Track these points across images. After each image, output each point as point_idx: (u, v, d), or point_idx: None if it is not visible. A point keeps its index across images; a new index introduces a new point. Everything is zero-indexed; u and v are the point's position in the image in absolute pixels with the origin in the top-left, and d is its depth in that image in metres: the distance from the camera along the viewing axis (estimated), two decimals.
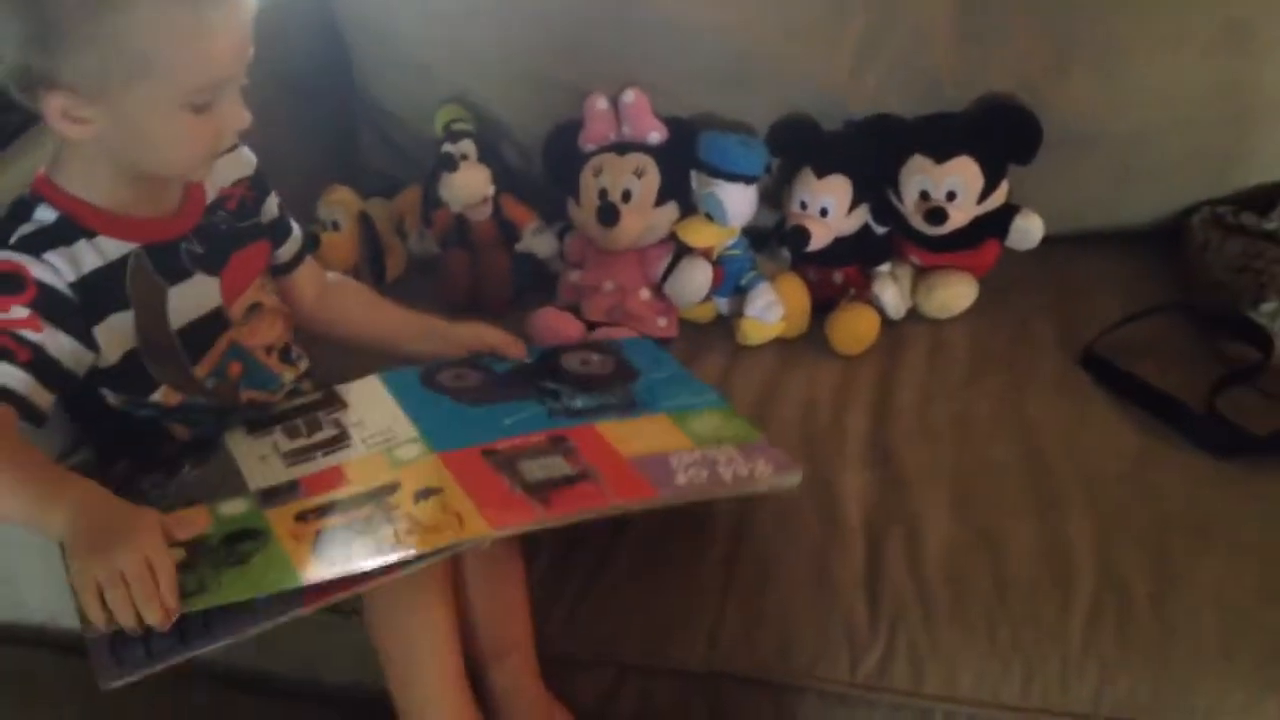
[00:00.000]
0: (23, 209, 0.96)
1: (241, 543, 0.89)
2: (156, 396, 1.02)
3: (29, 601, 1.20)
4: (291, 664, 1.20)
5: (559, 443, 0.97)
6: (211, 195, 1.06)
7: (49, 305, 0.92)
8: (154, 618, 0.79)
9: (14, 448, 0.87)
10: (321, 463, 1.00)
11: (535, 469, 0.95)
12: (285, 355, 1.13)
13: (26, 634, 1.21)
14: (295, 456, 1.01)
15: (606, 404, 1.05)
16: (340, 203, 1.52)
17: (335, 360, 1.21)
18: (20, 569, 1.16)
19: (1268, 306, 1.31)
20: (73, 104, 0.88)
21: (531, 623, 1.11)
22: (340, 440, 1.03)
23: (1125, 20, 1.39)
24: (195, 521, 0.88)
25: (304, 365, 1.16)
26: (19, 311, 0.91)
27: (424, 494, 0.93)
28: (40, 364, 0.91)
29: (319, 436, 1.03)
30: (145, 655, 0.83)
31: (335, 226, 1.49)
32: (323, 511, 0.92)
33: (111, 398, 1.01)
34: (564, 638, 1.13)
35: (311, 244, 1.23)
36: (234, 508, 0.93)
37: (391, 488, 0.94)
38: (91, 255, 0.95)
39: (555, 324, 1.41)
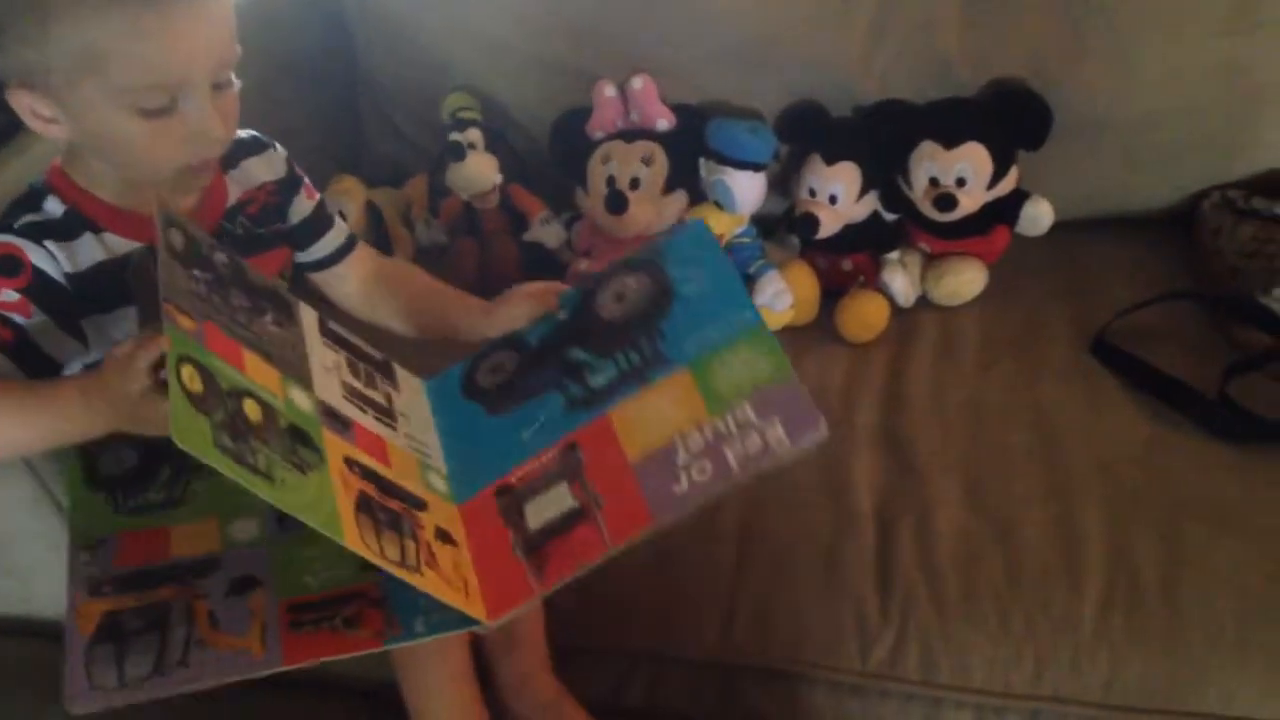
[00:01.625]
0: (33, 198, 0.95)
1: (302, 446, 0.86)
2: None
3: (39, 595, 1.20)
4: None
5: (568, 457, 0.96)
6: (234, 198, 1.05)
7: (42, 291, 0.92)
8: None
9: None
10: (370, 422, 0.97)
11: (540, 509, 0.93)
12: None
13: (37, 627, 1.21)
14: (352, 396, 0.97)
15: (629, 368, 1.01)
16: (347, 192, 1.52)
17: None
18: (29, 562, 1.16)
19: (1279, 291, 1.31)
20: (34, 101, 0.88)
21: (542, 614, 1.11)
22: (388, 415, 1.00)
23: (1134, 5, 1.38)
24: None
25: None
26: (9, 295, 0.91)
27: (443, 536, 0.92)
28: (20, 347, 0.91)
29: (373, 395, 1.00)
30: (117, 681, 0.84)
31: (342, 216, 1.48)
32: (365, 475, 0.90)
33: None
34: (574, 628, 1.13)
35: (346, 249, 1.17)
36: (301, 400, 0.90)
37: (420, 504, 0.93)
38: (96, 250, 0.95)
39: None
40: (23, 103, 0.88)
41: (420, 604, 0.88)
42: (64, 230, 0.94)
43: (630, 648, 1.15)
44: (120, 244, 0.96)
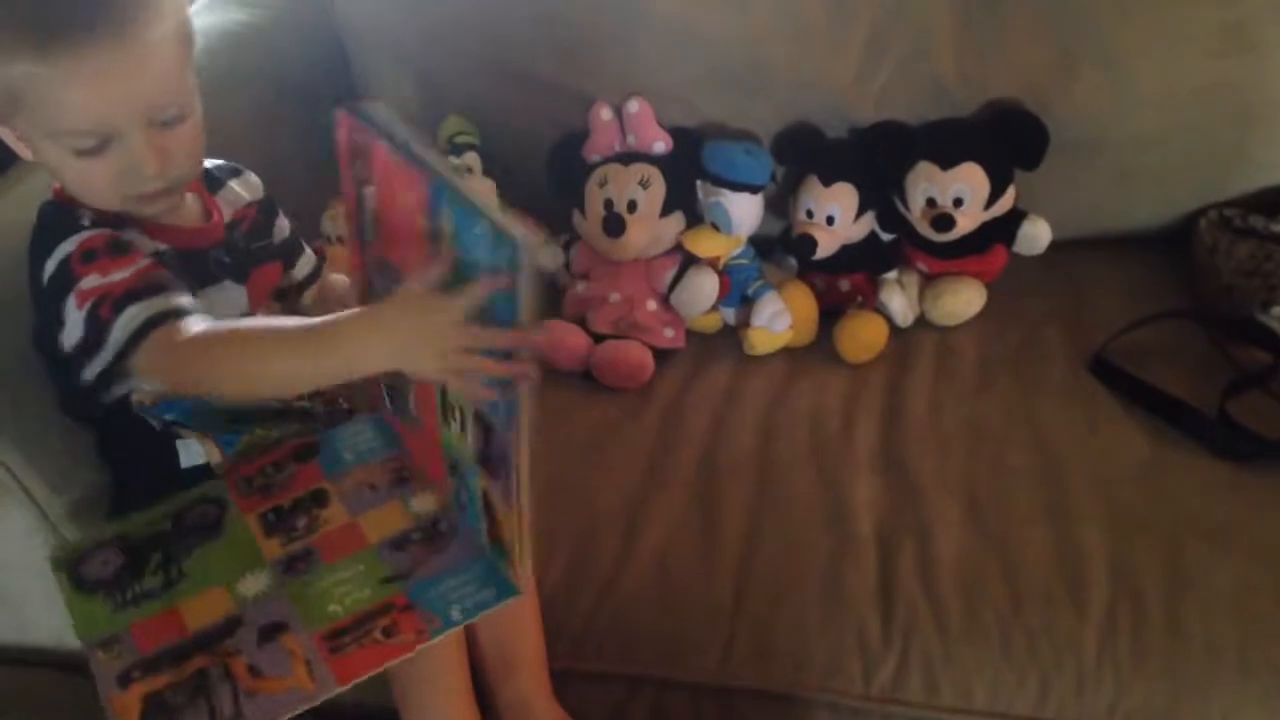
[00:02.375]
0: (62, 210, 0.95)
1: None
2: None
3: (34, 623, 1.19)
4: None
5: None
6: (228, 215, 1.07)
7: (157, 259, 0.93)
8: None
9: (260, 322, 0.89)
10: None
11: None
12: None
13: (31, 655, 1.21)
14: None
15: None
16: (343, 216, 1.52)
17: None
18: (24, 590, 1.15)
19: (1278, 310, 1.31)
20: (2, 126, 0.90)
21: (542, 638, 1.10)
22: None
23: (1127, 24, 1.39)
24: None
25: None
26: (144, 261, 0.91)
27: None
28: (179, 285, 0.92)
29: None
30: None
31: (340, 240, 1.49)
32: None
33: (139, 396, 1.01)
34: (575, 652, 1.13)
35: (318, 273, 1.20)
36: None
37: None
38: (145, 241, 0.96)
39: (562, 337, 1.41)
40: None
41: (450, 595, 0.92)
42: (116, 224, 0.95)
43: (632, 672, 1.14)
44: (149, 244, 0.97)
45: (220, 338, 0.86)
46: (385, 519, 0.99)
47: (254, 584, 0.94)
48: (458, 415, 0.94)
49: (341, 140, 0.94)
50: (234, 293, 1.04)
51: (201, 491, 1.01)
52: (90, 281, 0.89)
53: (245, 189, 1.10)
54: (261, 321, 0.89)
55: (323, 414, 1.13)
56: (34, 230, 0.96)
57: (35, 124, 0.88)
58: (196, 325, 0.87)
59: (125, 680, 0.87)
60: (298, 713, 0.86)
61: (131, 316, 0.87)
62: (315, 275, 1.19)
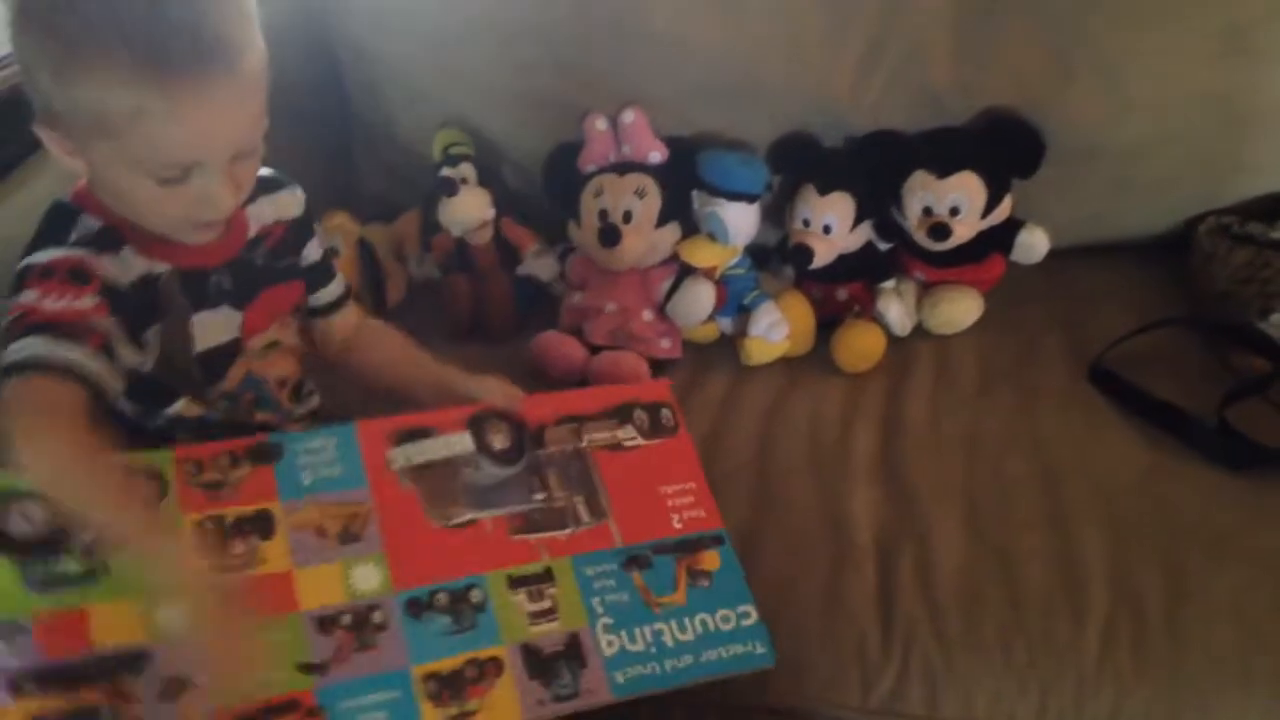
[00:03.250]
0: (65, 216, 0.95)
1: None
2: (177, 408, 1.02)
3: None
4: None
5: None
6: (253, 231, 1.05)
7: (112, 297, 0.92)
8: None
9: (93, 441, 0.85)
10: None
11: None
12: (297, 392, 1.12)
13: None
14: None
15: None
16: (339, 228, 1.52)
17: (353, 398, 1.19)
18: None
19: (1276, 317, 1.30)
20: (56, 136, 0.89)
21: None
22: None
23: (1122, 32, 1.39)
24: None
25: (314, 404, 1.14)
26: (86, 301, 0.90)
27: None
28: (108, 351, 0.90)
29: None
30: None
31: (334, 253, 1.48)
32: None
33: (129, 408, 1.00)
34: None
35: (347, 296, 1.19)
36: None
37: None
38: (136, 264, 0.95)
39: (558, 347, 1.40)
40: (46, 134, 0.90)
41: (359, 714, 0.87)
42: (108, 243, 0.94)
43: None
44: (149, 265, 0.96)
45: (25, 429, 0.83)
46: (323, 584, 0.92)
47: (173, 617, 0.86)
48: (546, 603, 0.95)
49: None
50: (227, 318, 1.03)
51: (147, 459, 0.94)
52: (28, 297, 0.89)
53: (278, 206, 1.08)
54: (68, 448, 0.84)
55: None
56: (37, 225, 0.96)
57: (123, 153, 0.87)
58: (41, 394, 0.85)
59: (17, 689, 0.82)
60: None
61: (23, 347, 0.87)
62: (338, 304, 1.17)
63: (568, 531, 1.00)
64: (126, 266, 0.94)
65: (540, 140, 1.52)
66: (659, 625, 0.96)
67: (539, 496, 1.02)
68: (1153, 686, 1.05)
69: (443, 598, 0.94)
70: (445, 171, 1.47)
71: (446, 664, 0.91)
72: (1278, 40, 1.37)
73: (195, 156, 0.88)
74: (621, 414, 1.08)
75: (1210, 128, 1.42)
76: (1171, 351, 1.35)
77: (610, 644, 0.94)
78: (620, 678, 0.93)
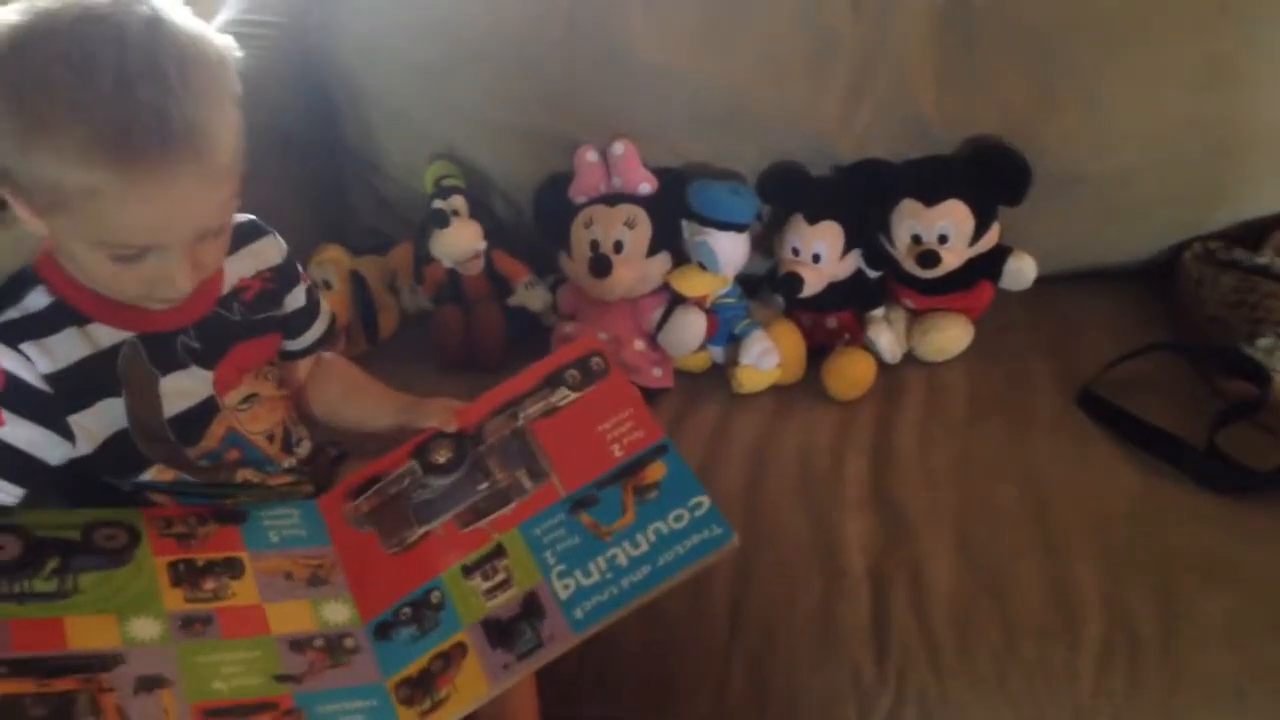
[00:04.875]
0: (16, 289, 0.94)
1: None
2: (149, 475, 1.00)
3: None
4: None
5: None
6: (228, 286, 1.04)
7: (18, 398, 0.90)
8: None
9: None
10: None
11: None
12: (286, 442, 1.10)
13: None
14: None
15: None
16: (332, 261, 1.52)
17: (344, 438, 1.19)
18: None
19: (1263, 342, 1.31)
20: (16, 200, 0.87)
21: (535, 686, 1.09)
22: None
23: (1106, 60, 1.40)
24: None
25: (304, 451, 1.13)
26: None
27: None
28: None
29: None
30: None
31: (327, 286, 1.49)
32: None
33: (97, 473, 0.99)
34: (569, 699, 1.12)
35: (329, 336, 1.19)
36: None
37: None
38: (80, 344, 0.93)
39: None
40: (10, 197, 0.87)
41: (336, 716, 0.88)
42: (45, 326, 0.92)
43: (625, 717, 1.13)
44: (108, 335, 0.95)
45: None
46: (292, 615, 0.95)
47: (146, 630, 0.89)
48: (500, 576, 0.96)
49: None
50: (197, 378, 1.01)
51: (117, 514, 0.95)
52: None
53: (257, 257, 1.06)
54: None
55: (308, 472, 1.13)
56: None
57: (77, 228, 0.85)
58: None
59: None
60: None
61: None
62: (311, 350, 1.16)
63: (513, 505, 1.02)
64: (61, 350, 0.92)
65: (531, 172, 1.53)
66: (612, 551, 0.96)
67: (483, 486, 1.04)
68: (1148, 710, 1.05)
69: (407, 611, 0.97)
70: (437, 204, 1.48)
71: (415, 666, 0.93)
72: (1259, 68, 1.39)
73: (151, 240, 0.86)
74: (552, 381, 1.09)
75: (1194, 155, 1.43)
76: (1160, 377, 1.36)
77: (566, 587, 0.95)
78: (579, 613, 0.94)
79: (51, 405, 0.92)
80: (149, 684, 0.85)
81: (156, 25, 0.82)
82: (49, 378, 0.92)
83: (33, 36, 0.81)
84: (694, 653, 1.12)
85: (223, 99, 0.86)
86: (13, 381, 0.90)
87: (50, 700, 0.82)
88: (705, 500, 0.97)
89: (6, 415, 0.90)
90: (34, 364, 0.91)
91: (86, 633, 0.87)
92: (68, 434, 0.93)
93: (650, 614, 1.10)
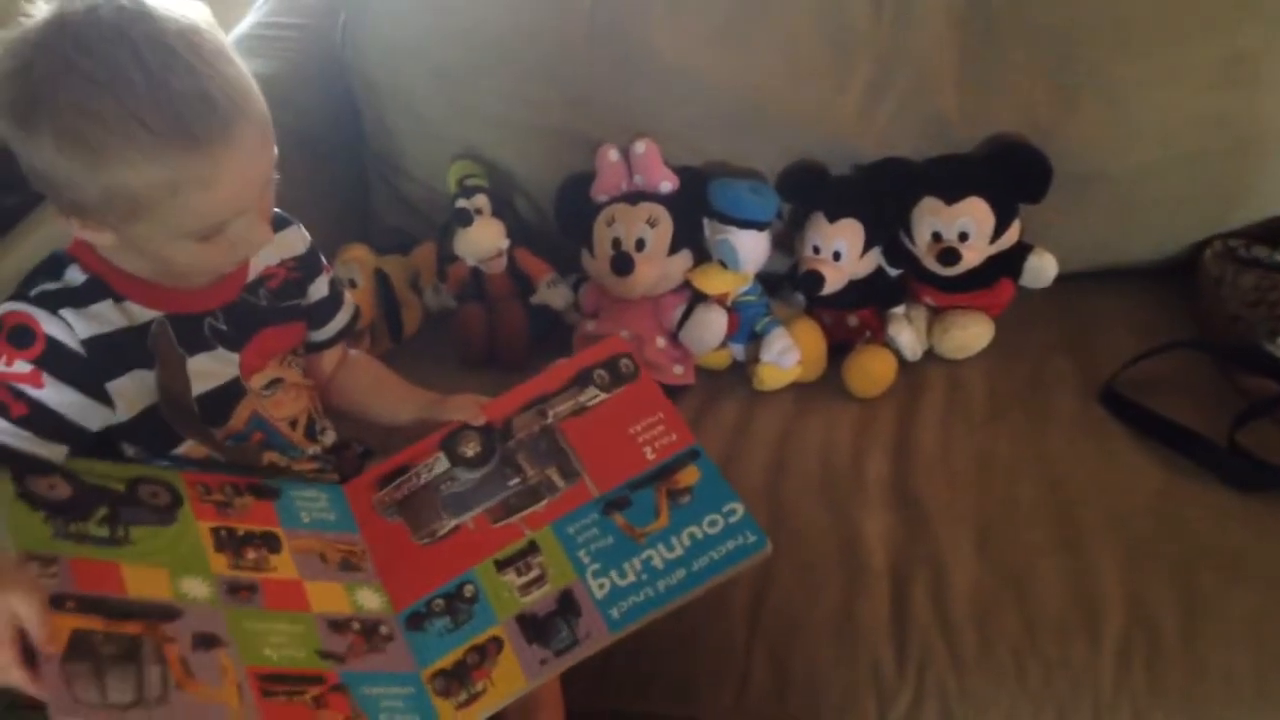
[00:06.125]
0: (54, 266, 0.97)
1: None
2: (180, 451, 1.02)
3: None
4: None
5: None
6: (254, 273, 1.07)
7: (57, 361, 0.93)
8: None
9: None
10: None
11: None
12: (310, 429, 1.12)
13: None
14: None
15: None
16: (356, 260, 1.54)
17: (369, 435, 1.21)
18: None
19: None
20: (82, 223, 0.90)
21: (560, 679, 1.10)
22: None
23: (1127, 58, 1.40)
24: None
25: (329, 440, 1.15)
26: (21, 366, 0.91)
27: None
28: (38, 419, 0.92)
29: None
30: (100, 700, 0.78)
31: (352, 284, 1.50)
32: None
33: (130, 450, 1.01)
34: (593, 693, 1.13)
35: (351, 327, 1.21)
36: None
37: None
38: (116, 316, 0.96)
39: None
40: (70, 224, 0.91)
41: (382, 699, 0.90)
42: (83, 297, 0.95)
43: (648, 710, 1.14)
44: (141, 312, 0.97)
45: None
46: (329, 595, 0.97)
47: (196, 589, 0.90)
48: (534, 572, 0.97)
49: None
50: (224, 360, 1.03)
51: (159, 473, 0.97)
52: None
53: (282, 246, 1.09)
54: None
55: (333, 462, 1.14)
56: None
57: (162, 226, 0.89)
58: None
59: (59, 603, 0.81)
60: None
61: None
62: (334, 340, 1.19)
63: (545, 502, 1.03)
64: (99, 319, 0.95)
65: (553, 172, 1.53)
66: (647, 553, 0.97)
67: (514, 482, 1.05)
68: (1168, 708, 1.05)
69: (439, 603, 0.98)
70: (460, 203, 1.49)
71: (450, 658, 0.94)
72: (1277, 64, 1.38)
73: (235, 209, 0.90)
74: (581, 380, 1.10)
75: (1215, 152, 1.42)
76: (1181, 374, 1.36)
77: (601, 586, 0.96)
78: (615, 613, 0.95)
79: (89, 370, 0.94)
80: (206, 642, 0.86)
81: (141, 12, 0.85)
82: (86, 343, 0.94)
83: (47, 71, 0.83)
84: (716, 647, 1.13)
85: (230, 56, 0.89)
86: (52, 344, 0.93)
87: (119, 640, 0.82)
88: (739, 507, 0.99)
89: (46, 378, 0.92)
90: (73, 329, 0.93)
91: (143, 582, 0.88)
92: (107, 400, 0.96)
93: (672, 610, 1.12)
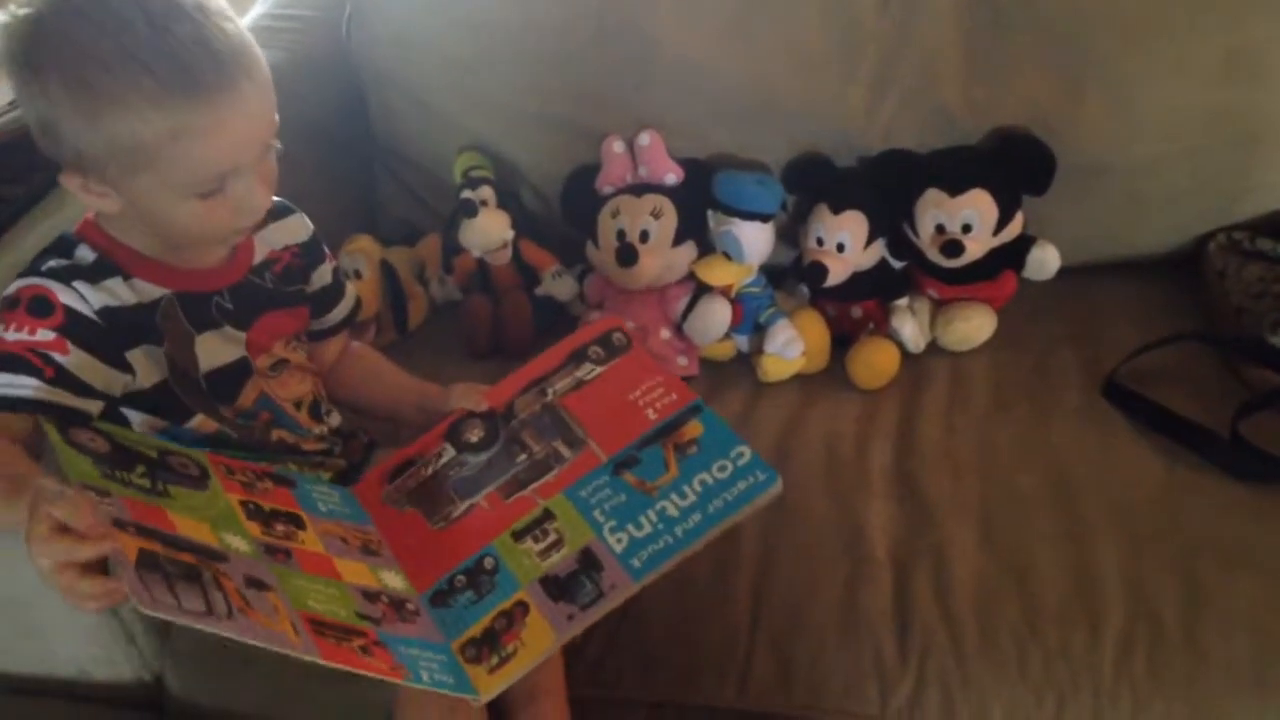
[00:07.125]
0: (63, 246, 0.98)
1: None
2: (192, 424, 1.04)
3: (58, 654, 1.20)
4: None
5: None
6: (260, 256, 1.09)
7: (77, 329, 0.94)
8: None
9: None
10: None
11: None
12: (315, 411, 1.14)
13: (54, 687, 1.22)
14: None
15: None
16: (362, 251, 1.54)
17: (372, 427, 1.23)
18: (49, 621, 1.16)
19: None
20: (86, 181, 0.92)
21: (562, 665, 1.10)
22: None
23: (1132, 51, 1.40)
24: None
25: (335, 421, 1.17)
26: (45, 334, 0.93)
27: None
28: (66, 380, 0.93)
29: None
30: (176, 605, 0.80)
31: (358, 275, 1.51)
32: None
33: (140, 424, 1.02)
34: (595, 679, 1.13)
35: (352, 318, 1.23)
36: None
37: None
38: (125, 292, 0.98)
39: None
40: (74, 182, 0.92)
41: (419, 658, 0.91)
42: (93, 273, 0.97)
43: (650, 698, 1.14)
44: (150, 290, 0.99)
45: None
46: (357, 570, 0.98)
47: (238, 543, 0.91)
48: (551, 537, 0.99)
49: None
50: (231, 338, 1.05)
51: (186, 450, 0.98)
52: None
53: (286, 232, 1.12)
54: None
55: (341, 448, 1.15)
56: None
57: (164, 178, 0.90)
58: None
59: (121, 525, 0.82)
60: (276, 650, 0.83)
61: None
62: (336, 330, 1.21)
63: (555, 472, 1.04)
64: (109, 293, 0.96)
65: (558, 163, 1.54)
66: (661, 504, 0.98)
67: (521, 459, 1.06)
68: (1170, 697, 1.06)
69: (462, 579, 0.99)
70: (465, 194, 1.49)
71: (478, 627, 0.95)
72: None
73: (233, 162, 0.92)
74: (577, 357, 1.12)
75: (1219, 145, 1.42)
76: (1184, 366, 1.36)
77: (619, 540, 0.97)
78: (636, 563, 0.96)
79: (107, 338, 0.96)
80: (256, 584, 0.87)
81: None
82: (100, 312, 0.96)
83: (54, 21, 0.86)
84: (719, 635, 1.13)
85: (232, 15, 0.92)
86: (70, 313, 0.95)
87: (180, 564, 0.83)
88: (746, 450, 1.00)
89: (70, 345, 0.94)
90: (87, 300, 0.95)
91: (190, 529, 0.88)
92: (127, 367, 0.98)
93: (676, 595, 1.13)
